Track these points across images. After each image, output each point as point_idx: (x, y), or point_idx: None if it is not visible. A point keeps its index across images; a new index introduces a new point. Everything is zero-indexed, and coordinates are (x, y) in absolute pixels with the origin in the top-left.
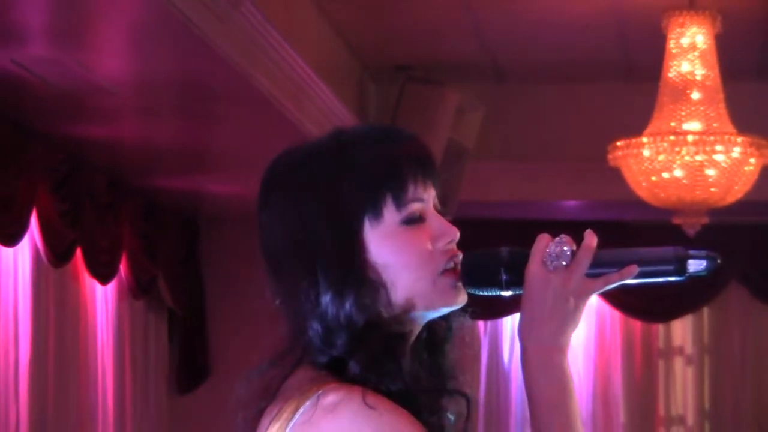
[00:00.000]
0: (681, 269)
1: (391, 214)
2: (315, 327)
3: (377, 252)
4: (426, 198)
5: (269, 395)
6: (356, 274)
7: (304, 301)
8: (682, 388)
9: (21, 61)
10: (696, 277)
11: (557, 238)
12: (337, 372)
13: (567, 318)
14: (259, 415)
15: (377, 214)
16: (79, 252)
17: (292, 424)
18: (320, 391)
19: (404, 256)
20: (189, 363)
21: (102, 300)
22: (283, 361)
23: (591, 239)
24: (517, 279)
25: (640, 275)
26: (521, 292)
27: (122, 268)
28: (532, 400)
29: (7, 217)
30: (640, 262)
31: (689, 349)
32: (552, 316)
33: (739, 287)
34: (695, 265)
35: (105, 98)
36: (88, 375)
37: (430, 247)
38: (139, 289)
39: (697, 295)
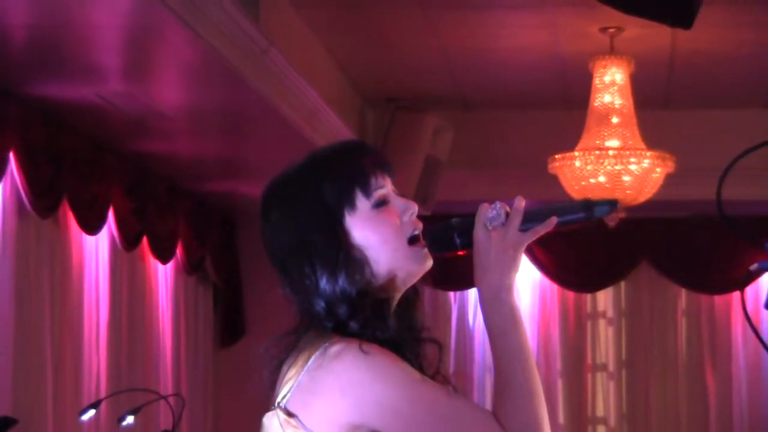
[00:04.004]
0: (590, 214)
1: (362, 203)
2: (319, 303)
3: (359, 235)
4: (386, 185)
5: (287, 350)
6: (344, 256)
7: (307, 285)
8: (605, 343)
9: (102, 94)
10: (601, 218)
11: (493, 205)
12: (339, 331)
13: (507, 265)
14: (280, 365)
15: (352, 204)
16: (145, 239)
17: (305, 369)
18: (327, 344)
19: (381, 232)
20: (228, 324)
21: (163, 276)
22: (296, 330)
23: (519, 202)
24: (467, 240)
25: (560, 224)
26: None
27: (178, 251)
28: (489, 332)
29: (90, 213)
30: (559, 214)
31: (610, 313)
32: (496, 265)
33: (649, 267)
34: (600, 210)
35: (165, 122)
36: (152, 333)
37: (398, 220)
38: (191, 268)
39: (616, 272)
